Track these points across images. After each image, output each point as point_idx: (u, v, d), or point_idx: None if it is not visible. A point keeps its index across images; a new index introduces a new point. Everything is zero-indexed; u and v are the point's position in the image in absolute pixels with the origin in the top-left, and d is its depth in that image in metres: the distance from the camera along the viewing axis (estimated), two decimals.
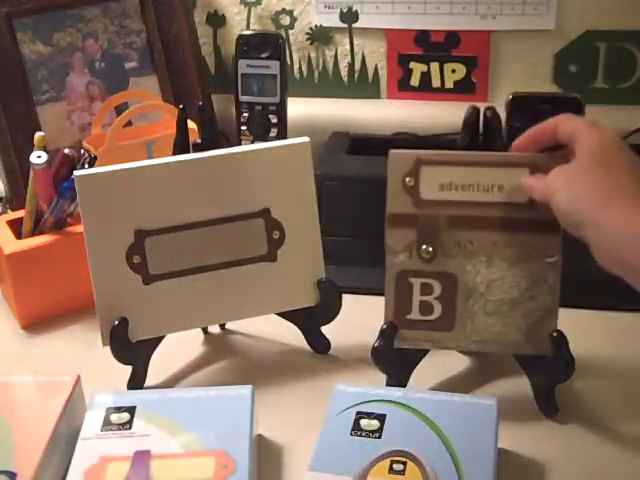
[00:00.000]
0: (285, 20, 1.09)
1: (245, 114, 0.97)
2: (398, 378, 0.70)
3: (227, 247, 0.72)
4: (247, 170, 0.72)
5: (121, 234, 0.70)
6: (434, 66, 1.07)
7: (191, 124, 0.84)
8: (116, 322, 0.70)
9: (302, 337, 0.77)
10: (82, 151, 0.83)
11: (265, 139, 0.96)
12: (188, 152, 0.74)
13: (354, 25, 1.07)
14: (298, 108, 1.05)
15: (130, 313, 0.71)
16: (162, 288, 0.71)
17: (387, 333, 0.69)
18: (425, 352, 0.70)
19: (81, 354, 0.78)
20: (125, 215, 0.70)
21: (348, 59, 1.10)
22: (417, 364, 0.70)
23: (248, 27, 1.11)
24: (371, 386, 0.66)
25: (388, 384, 0.70)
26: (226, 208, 0.72)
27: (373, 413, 0.63)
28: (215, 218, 0.72)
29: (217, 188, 0.72)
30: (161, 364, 0.74)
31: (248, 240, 0.73)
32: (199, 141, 0.74)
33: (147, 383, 0.73)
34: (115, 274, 0.70)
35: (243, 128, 0.97)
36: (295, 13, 1.09)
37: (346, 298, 0.76)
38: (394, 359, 0.69)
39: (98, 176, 0.69)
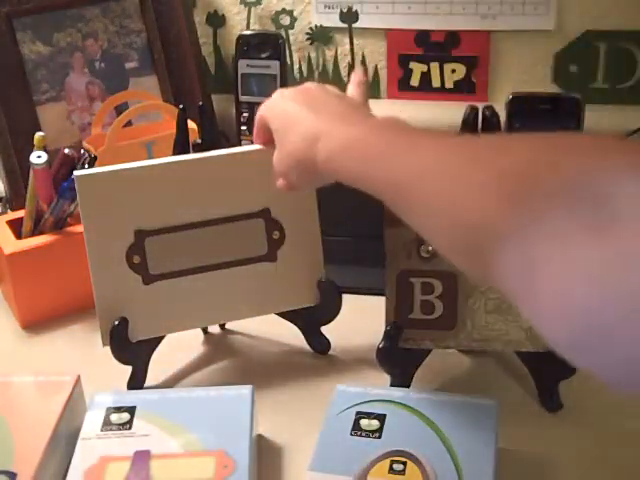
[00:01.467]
0: (285, 20, 1.09)
1: (245, 114, 0.97)
2: (402, 378, 0.70)
3: (227, 247, 0.72)
4: (247, 170, 0.72)
5: (121, 234, 0.70)
6: (434, 66, 1.07)
7: (191, 124, 0.84)
8: (116, 322, 0.70)
9: (302, 337, 0.77)
10: (82, 151, 0.83)
11: None
12: (188, 152, 0.74)
13: (354, 25, 1.07)
14: None
15: (130, 313, 0.71)
16: (162, 288, 0.71)
17: (392, 334, 0.69)
18: (428, 352, 0.70)
19: (81, 354, 0.78)
20: (125, 215, 0.70)
21: (348, 59, 1.10)
22: (420, 364, 0.70)
23: (248, 27, 1.11)
24: (371, 386, 0.66)
25: (392, 384, 0.70)
26: (226, 208, 0.72)
27: (373, 413, 0.63)
28: (215, 218, 0.71)
29: (217, 188, 0.71)
30: (161, 364, 0.74)
31: (248, 240, 0.73)
32: (199, 141, 0.74)
33: (147, 383, 0.73)
34: (115, 274, 0.70)
35: (243, 128, 0.98)
36: (295, 13, 1.09)
37: (346, 298, 0.76)
38: (398, 359, 0.69)
39: (98, 176, 0.69)
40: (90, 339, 0.77)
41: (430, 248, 0.67)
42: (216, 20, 1.12)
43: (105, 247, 0.70)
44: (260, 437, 0.67)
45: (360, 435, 0.61)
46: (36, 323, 0.84)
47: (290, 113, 0.61)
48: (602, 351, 0.34)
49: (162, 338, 0.73)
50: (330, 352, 0.77)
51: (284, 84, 0.96)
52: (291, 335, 0.77)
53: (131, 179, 0.69)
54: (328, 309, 0.76)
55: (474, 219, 0.41)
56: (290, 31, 1.09)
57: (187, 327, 0.74)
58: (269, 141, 0.64)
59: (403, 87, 1.09)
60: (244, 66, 0.96)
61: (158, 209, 0.70)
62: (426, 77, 1.08)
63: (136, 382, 0.72)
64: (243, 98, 0.97)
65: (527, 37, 1.03)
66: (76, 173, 0.69)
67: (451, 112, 0.98)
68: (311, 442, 0.60)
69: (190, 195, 0.71)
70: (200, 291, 0.72)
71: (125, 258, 0.70)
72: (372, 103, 1.14)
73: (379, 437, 0.60)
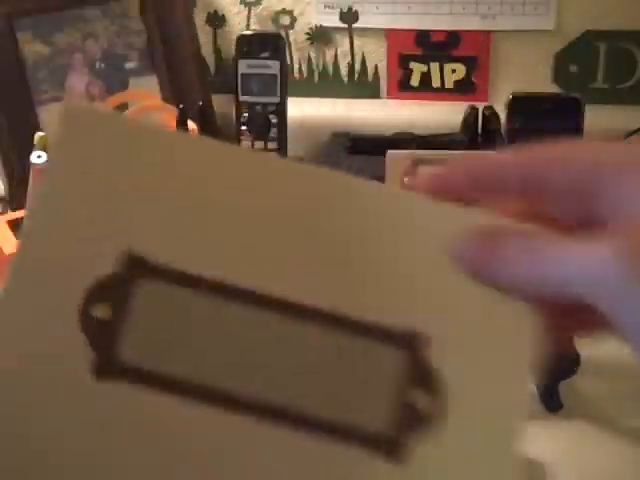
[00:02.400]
0: (285, 20, 1.09)
1: (245, 114, 0.97)
2: None
3: (297, 383, 0.31)
4: (402, 237, 0.32)
5: (95, 246, 0.31)
6: (434, 66, 1.07)
7: (191, 124, 0.84)
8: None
9: None
10: None
11: (265, 139, 0.96)
12: None
13: (354, 25, 1.07)
14: (298, 108, 1.05)
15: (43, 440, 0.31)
16: (127, 402, 0.30)
17: None
18: None
19: None
20: (118, 213, 0.31)
21: (348, 59, 1.10)
22: None
23: (248, 27, 1.11)
24: None
25: None
26: (324, 294, 0.31)
27: None
28: (290, 302, 0.31)
29: (321, 246, 0.31)
30: None
31: (353, 392, 0.31)
32: None
33: None
34: (42, 332, 0.31)
35: (243, 128, 0.98)
36: (295, 13, 1.09)
37: None
38: None
39: (103, 125, 0.32)
40: None
41: None
42: (216, 20, 1.12)
43: (52, 263, 0.31)
44: None
45: None
46: None
47: None
48: None
49: None
50: None
51: (284, 84, 0.96)
52: None
53: (153, 149, 0.32)
54: None
55: None
56: (290, 31, 1.09)
57: None
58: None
59: (403, 87, 1.09)
60: (244, 66, 0.96)
61: (185, 232, 0.31)
62: (426, 77, 1.08)
63: None
64: (243, 98, 0.97)
65: (527, 37, 1.03)
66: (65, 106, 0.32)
67: (451, 112, 0.98)
68: None
69: (256, 236, 0.32)
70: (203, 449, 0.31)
71: (82, 303, 0.30)
72: (372, 103, 1.13)
73: None
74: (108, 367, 0.31)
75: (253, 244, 0.32)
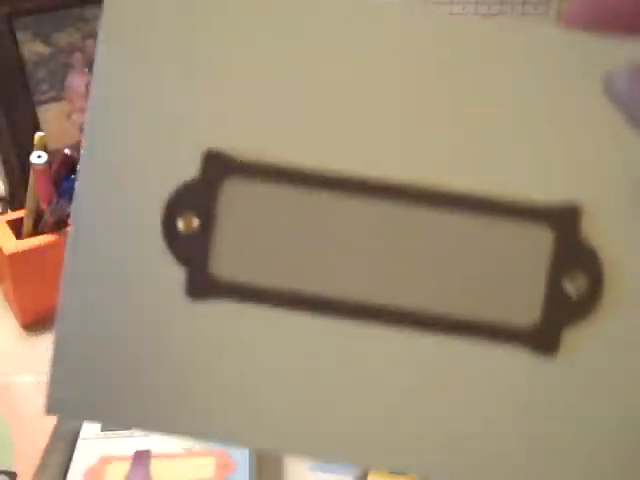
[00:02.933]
0: None
1: None
2: None
3: (429, 279, 0.26)
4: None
5: (168, 145, 0.27)
6: None
7: None
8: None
9: None
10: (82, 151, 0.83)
11: None
12: None
13: None
14: None
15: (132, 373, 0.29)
16: (229, 322, 0.27)
17: None
18: None
19: None
20: (194, 98, 0.26)
21: None
22: None
23: None
24: None
25: None
26: (459, 172, 0.26)
27: None
28: (426, 188, 0.25)
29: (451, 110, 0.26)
30: None
31: (495, 280, 0.26)
32: None
33: None
34: (124, 252, 0.28)
35: None
36: None
37: None
38: None
39: None
40: None
41: None
42: None
43: (118, 170, 0.28)
44: None
45: None
46: (36, 323, 0.84)
47: None
48: None
49: None
50: None
51: None
52: None
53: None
54: None
55: None
56: None
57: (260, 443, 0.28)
58: None
59: None
60: None
61: (275, 114, 0.26)
62: None
63: None
64: None
65: None
66: None
67: None
68: None
69: (371, 107, 0.25)
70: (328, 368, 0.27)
71: (164, 216, 0.27)
72: None
73: None
74: (202, 285, 0.27)
75: (366, 121, 0.24)
